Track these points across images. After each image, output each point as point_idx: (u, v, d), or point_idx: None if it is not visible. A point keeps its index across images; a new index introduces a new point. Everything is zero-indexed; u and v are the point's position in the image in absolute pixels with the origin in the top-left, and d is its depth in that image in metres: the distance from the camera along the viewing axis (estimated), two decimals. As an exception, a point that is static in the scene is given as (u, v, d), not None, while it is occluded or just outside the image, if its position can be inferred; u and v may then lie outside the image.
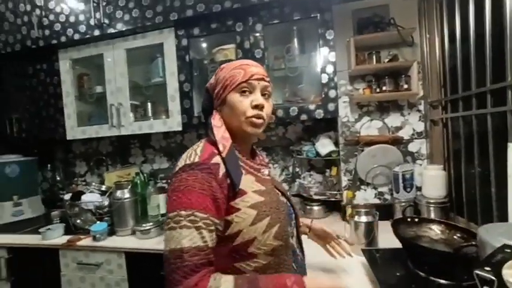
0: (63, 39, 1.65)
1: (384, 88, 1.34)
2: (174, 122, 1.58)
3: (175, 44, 1.55)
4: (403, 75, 1.32)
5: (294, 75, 1.50)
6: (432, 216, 1.22)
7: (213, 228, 0.55)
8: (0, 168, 1.83)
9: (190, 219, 0.53)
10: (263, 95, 0.68)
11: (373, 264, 0.89)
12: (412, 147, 1.40)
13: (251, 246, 0.59)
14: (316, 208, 1.56)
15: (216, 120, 0.67)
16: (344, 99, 1.46)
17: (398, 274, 0.83)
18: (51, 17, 1.67)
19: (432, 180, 1.27)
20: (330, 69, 1.38)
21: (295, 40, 1.51)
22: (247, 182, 0.64)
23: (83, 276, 1.39)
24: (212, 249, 0.55)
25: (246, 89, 0.66)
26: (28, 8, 1.72)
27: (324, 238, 0.93)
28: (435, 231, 0.93)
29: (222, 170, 0.59)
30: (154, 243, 1.31)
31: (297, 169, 1.72)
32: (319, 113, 1.39)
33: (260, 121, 0.67)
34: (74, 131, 1.73)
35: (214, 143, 0.64)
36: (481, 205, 1.04)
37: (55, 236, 1.45)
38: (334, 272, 0.96)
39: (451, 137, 1.26)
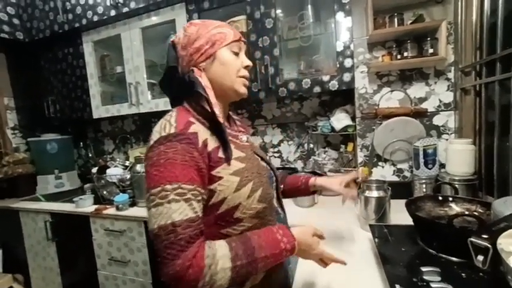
0: (84, 21, 1.73)
1: (405, 54, 1.20)
2: (187, 99, 1.61)
3: (187, 19, 1.53)
4: (428, 39, 1.17)
5: (308, 44, 1.41)
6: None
7: (200, 198, 0.55)
8: (43, 145, 2.05)
9: (177, 192, 0.52)
10: None
11: (378, 239, 0.85)
12: (438, 120, 1.27)
13: (236, 212, 0.59)
14: (330, 185, 1.51)
15: (205, 80, 0.62)
16: (362, 69, 1.34)
17: (404, 249, 0.78)
18: (73, 0, 1.75)
19: (459, 155, 1.14)
20: (345, 36, 1.28)
21: (309, 7, 1.41)
22: None
23: (110, 241, 1.53)
24: (202, 219, 0.55)
25: (236, 48, 0.66)
26: (54, -7, 1.81)
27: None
28: (456, 208, 0.85)
29: (201, 138, 0.57)
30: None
31: (312, 146, 1.67)
32: (334, 85, 1.31)
33: (248, 83, 0.68)
34: (99, 110, 1.85)
35: (187, 111, 0.62)
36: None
37: (86, 205, 1.61)
38: (338, 247, 0.93)
39: (484, 107, 1.11)
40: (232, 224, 0.60)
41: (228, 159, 0.60)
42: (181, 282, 0.49)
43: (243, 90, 0.67)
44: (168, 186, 0.52)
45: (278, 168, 1.72)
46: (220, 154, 0.60)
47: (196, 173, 0.55)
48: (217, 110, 0.59)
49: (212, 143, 0.59)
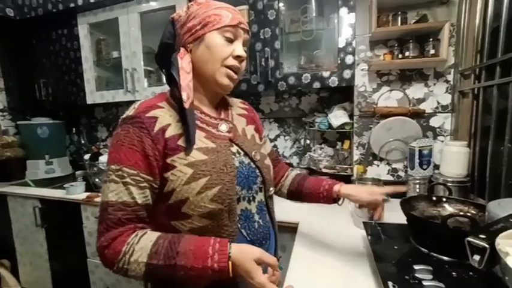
0: (80, 2, 1.66)
1: (406, 54, 1.20)
2: (185, 89, 1.58)
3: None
4: (430, 39, 1.17)
5: (310, 39, 1.40)
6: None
7: (144, 185, 0.53)
8: (34, 129, 2.00)
9: (118, 174, 0.52)
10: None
11: (371, 237, 0.86)
12: (435, 121, 1.28)
13: (184, 207, 0.55)
14: (324, 181, 1.52)
15: (185, 63, 0.58)
16: (362, 66, 1.34)
17: (396, 247, 0.79)
18: (69, -21, 1.68)
19: (453, 157, 1.16)
20: (348, 32, 1.27)
21: (313, 1, 1.39)
22: None
23: (101, 228, 1.51)
24: (145, 206, 0.54)
25: (230, 35, 0.59)
26: (48, -30, 1.74)
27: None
28: (449, 209, 0.86)
29: (159, 124, 0.55)
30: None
31: (308, 141, 1.67)
32: (334, 81, 1.31)
33: (236, 76, 0.62)
34: (93, 95, 1.80)
35: (163, 95, 0.62)
36: (506, 186, 0.94)
37: (77, 192, 1.58)
38: (332, 244, 0.94)
39: (481, 111, 1.12)
40: (180, 218, 0.56)
41: (186, 148, 0.56)
42: (101, 259, 0.52)
43: (226, 81, 0.61)
44: (113, 167, 0.53)
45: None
46: (180, 142, 0.56)
47: (142, 158, 0.53)
48: (185, 95, 0.55)
49: (175, 130, 0.57)
